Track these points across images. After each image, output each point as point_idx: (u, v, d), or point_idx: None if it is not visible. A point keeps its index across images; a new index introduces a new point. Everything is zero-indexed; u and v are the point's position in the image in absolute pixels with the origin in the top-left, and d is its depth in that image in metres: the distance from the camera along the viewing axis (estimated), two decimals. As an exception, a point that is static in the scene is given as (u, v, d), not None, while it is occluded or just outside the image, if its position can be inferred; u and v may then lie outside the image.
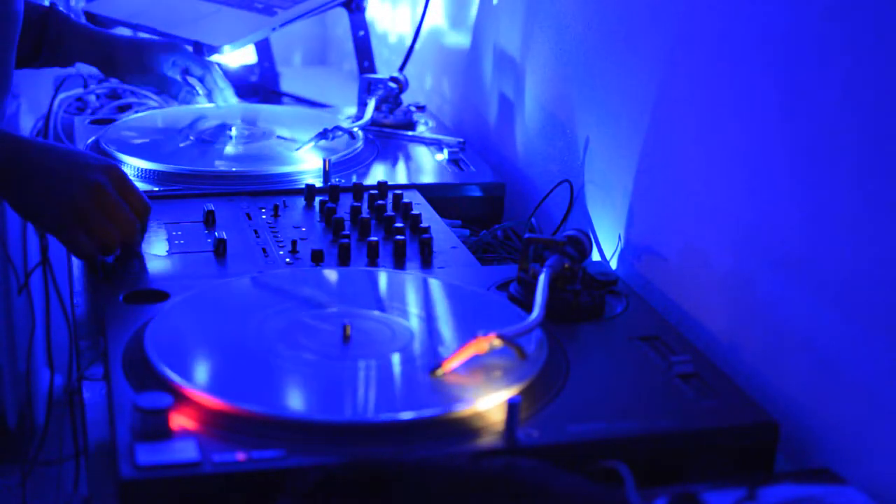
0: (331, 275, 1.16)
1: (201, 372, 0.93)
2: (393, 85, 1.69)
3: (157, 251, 1.20)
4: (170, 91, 1.68)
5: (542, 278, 1.05)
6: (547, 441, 0.85)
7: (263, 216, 1.32)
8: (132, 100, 1.86)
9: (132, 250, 1.18)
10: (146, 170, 1.43)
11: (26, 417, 2.64)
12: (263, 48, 2.17)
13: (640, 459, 0.86)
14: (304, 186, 1.38)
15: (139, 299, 1.08)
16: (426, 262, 1.21)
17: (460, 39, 1.88)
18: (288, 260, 1.20)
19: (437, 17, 1.97)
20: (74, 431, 1.99)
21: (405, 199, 1.35)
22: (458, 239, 1.29)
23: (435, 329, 1.03)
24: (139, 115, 1.70)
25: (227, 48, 1.67)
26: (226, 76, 2.15)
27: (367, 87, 1.71)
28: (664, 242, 1.18)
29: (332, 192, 1.38)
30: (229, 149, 1.55)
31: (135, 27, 1.81)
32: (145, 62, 1.63)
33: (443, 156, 1.56)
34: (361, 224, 1.27)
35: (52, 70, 2.00)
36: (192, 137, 1.58)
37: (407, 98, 1.74)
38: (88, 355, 1.08)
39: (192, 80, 1.69)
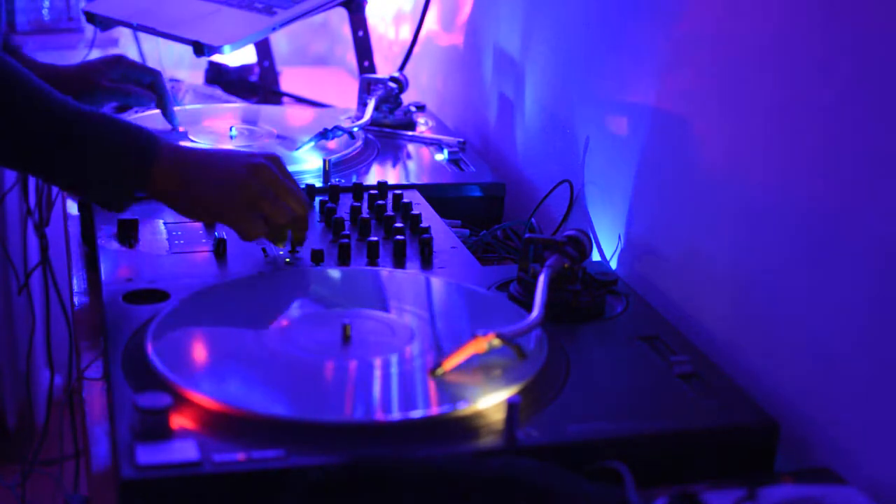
0: (331, 275, 1.16)
1: (201, 372, 0.93)
2: (393, 85, 1.69)
3: (157, 251, 1.20)
4: (128, 102, 1.63)
5: (542, 278, 1.05)
6: (547, 441, 0.85)
7: (263, 216, 1.32)
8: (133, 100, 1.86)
9: (301, 234, 1.18)
10: (146, 170, 1.43)
11: (26, 417, 2.64)
12: (263, 48, 2.17)
13: (640, 459, 0.86)
14: (304, 186, 1.38)
15: (139, 299, 1.08)
16: (426, 262, 1.21)
17: (460, 39, 1.88)
18: (288, 260, 1.20)
19: (437, 17, 1.97)
20: (74, 431, 1.99)
21: (405, 199, 1.35)
22: (458, 239, 1.29)
23: (435, 329, 1.03)
24: (139, 115, 1.70)
25: (227, 48, 1.67)
26: (226, 76, 2.15)
27: (367, 87, 1.71)
28: (664, 242, 1.18)
29: (332, 192, 1.37)
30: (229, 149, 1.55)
31: (135, 27, 1.80)
32: (93, 81, 1.59)
33: (443, 156, 1.56)
34: (361, 224, 1.27)
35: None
36: (192, 138, 1.58)
37: (407, 98, 1.74)
38: (88, 355, 1.08)
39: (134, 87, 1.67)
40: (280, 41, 2.48)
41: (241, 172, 1.13)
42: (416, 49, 1.88)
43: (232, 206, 1.13)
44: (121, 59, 1.65)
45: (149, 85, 1.65)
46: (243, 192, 1.13)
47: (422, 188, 1.44)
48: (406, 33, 2.10)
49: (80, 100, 1.66)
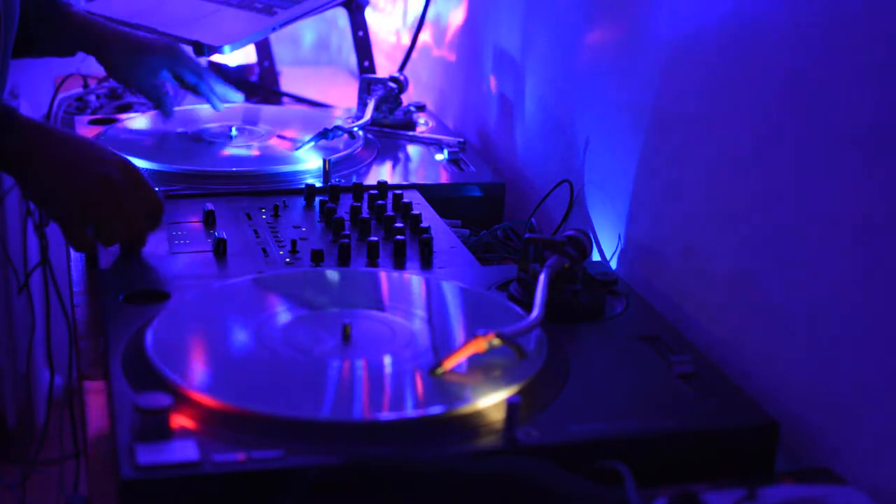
0: (331, 275, 1.16)
1: (201, 372, 0.93)
2: (393, 85, 1.69)
3: (157, 251, 1.20)
4: (154, 100, 1.61)
5: (542, 278, 1.05)
6: (547, 441, 0.85)
7: (263, 216, 1.32)
8: (132, 100, 1.86)
9: (134, 250, 1.18)
10: (146, 170, 1.42)
11: (26, 417, 2.65)
12: (263, 48, 2.17)
13: (640, 459, 0.86)
14: (304, 186, 1.38)
15: (139, 299, 1.08)
16: (426, 262, 1.21)
17: (460, 39, 1.88)
18: (288, 260, 1.20)
19: (437, 17, 1.97)
20: (74, 431, 1.99)
21: (405, 199, 1.35)
22: (458, 239, 1.29)
23: (435, 328, 1.03)
24: (139, 115, 1.70)
25: (227, 48, 1.67)
26: (226, 76, 2.15)
27: (366, 87, 1.71)
28: (664, 242, 1.18)
29: (332, 192, 1.37)
30: (229, 149, 1.55)
31: (135, 27, 1.80)
32: (140, 64, 1.58)
33: (443, 156, 1.56)
34: (361, 224, 1.27)
35: (52, 70, 2.00)
36: (192, 137, 1.58)
37: (407, 98, 1.74)
38: (88, 355, 1.08)
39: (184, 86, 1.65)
40: (280, 41, 2.48)
41: (83, 179, 1.12)
42: (416, 49, 1.88)
43: (61, 208, 1.13)
44: (174, 52, 1.61)
45: (192, 86, 1.64)
46: (77, 199, 1.12)
47: (422, 188, 1.44)
48: (406, 34, 2.10)
49: (115, 75, 1.62)
